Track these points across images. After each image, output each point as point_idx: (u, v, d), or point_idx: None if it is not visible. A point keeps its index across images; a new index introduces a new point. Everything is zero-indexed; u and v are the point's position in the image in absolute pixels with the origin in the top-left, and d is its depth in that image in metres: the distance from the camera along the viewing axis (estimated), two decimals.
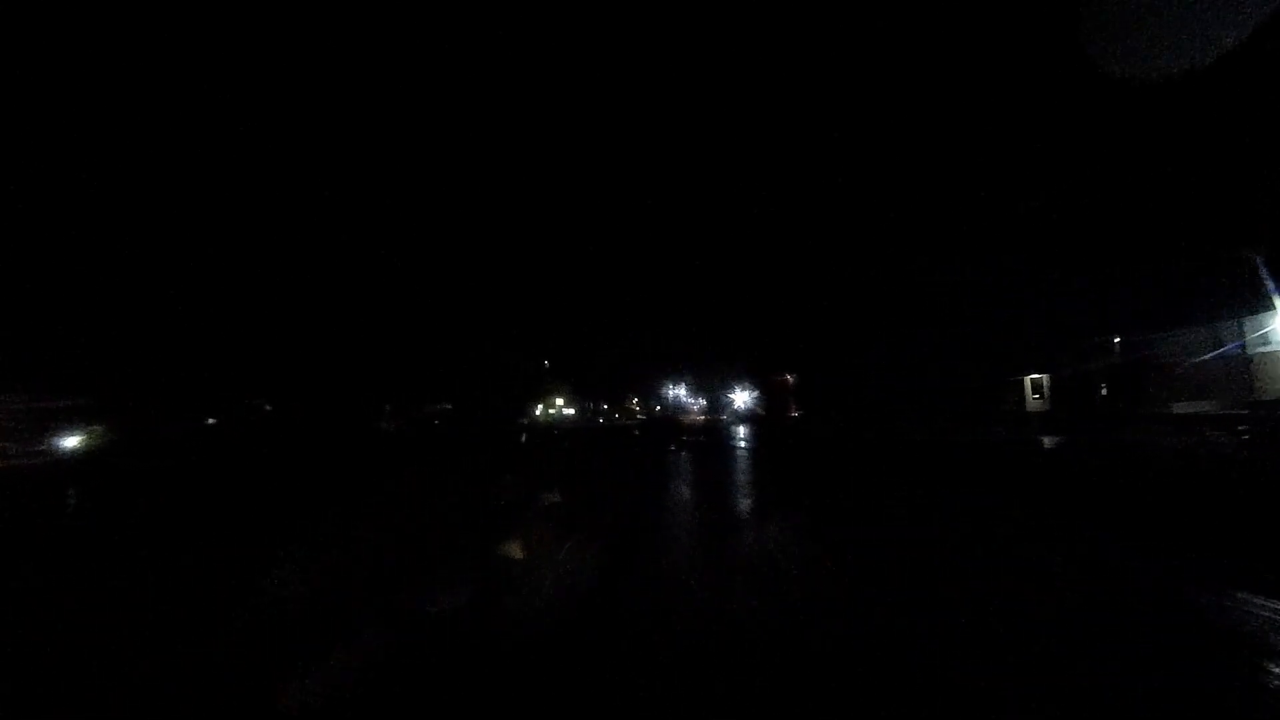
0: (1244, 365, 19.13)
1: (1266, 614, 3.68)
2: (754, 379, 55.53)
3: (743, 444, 22.03)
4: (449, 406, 49.19)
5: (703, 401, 68.11)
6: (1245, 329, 19.31)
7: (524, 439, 28.78)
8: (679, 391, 75.13)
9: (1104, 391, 20.25)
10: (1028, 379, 25.43)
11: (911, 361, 29.27)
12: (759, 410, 52.66)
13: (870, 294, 32.95)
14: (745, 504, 8.12)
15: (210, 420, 25.24)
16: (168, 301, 26.58)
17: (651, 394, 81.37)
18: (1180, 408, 19.25)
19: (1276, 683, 2.95)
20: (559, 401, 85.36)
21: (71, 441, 21.11)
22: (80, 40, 26.27)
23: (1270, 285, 17.92)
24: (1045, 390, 24.45)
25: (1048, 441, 16.51)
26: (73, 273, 25.03)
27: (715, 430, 34.82)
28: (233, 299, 29.57)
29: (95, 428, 21.39)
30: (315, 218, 34.36)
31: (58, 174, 24.70)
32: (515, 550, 4.77)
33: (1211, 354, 19.23)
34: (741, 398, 58.55)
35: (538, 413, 74.96)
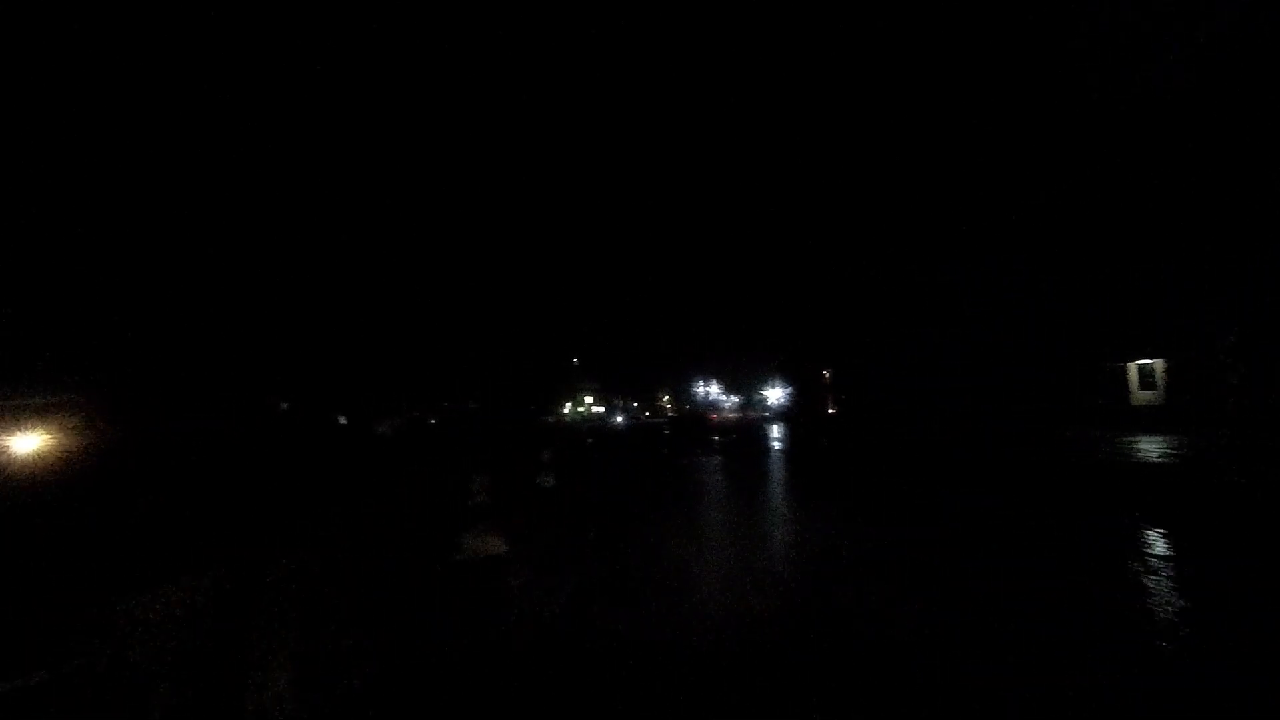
0: None
1: None
2: (788, 375, 52.66)
3: (781, 446, 19.52)
4: (474, 405, 47.83)
5: (735, 399, 65.44)
6: None
7: (531, 440, 26.63)
8: (711, 389, 72.60)
9: None
10: (1133, 365, 20.35)
11: (969, 349, 25.55)
12: (794, 408, 49.90)
13: (915, 271, 29.55)
14: (794, 565, 5.67)
15: (208, 420, 23.83)
16: (170, 291, 25.33)
17: (683, 391, 79.05)
18: None
19: None
20: (588, 399, 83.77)
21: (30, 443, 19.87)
22: (83, 37, 25.10)
23: None
24: (1159, 379, 19.43)
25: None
26: (77, 266, 23.98)
27: (749, 430, 32.21)
28: (243, 290, 28.30)
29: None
30: (338, 211, 32.96)
31: (62, 165, 23.54)
32: None
33: None
34: (775, 394, 55.79)
35: (565, 411, 73.42)
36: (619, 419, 68.10)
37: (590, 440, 27.83)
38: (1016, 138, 25.94)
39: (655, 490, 10.01)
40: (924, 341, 29.21)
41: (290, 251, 30.88)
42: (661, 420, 60.51)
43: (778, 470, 12.99)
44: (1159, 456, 11.21)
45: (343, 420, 31.08)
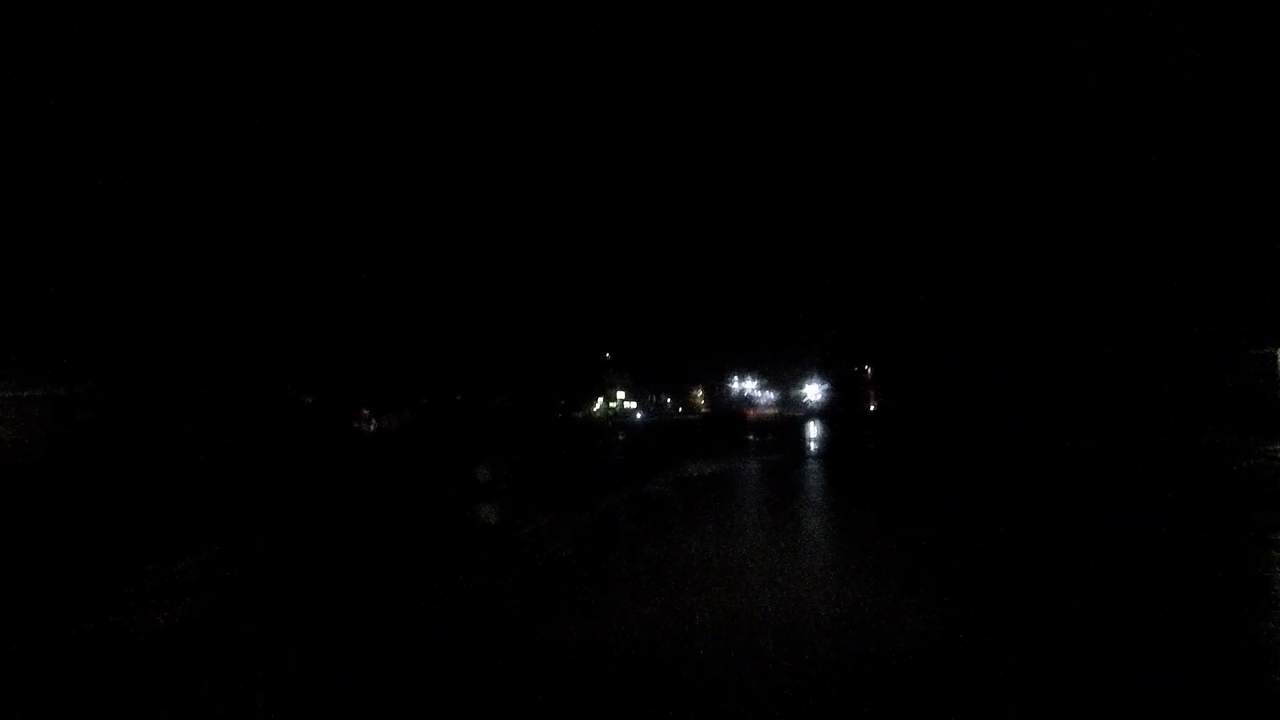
0: None
1: None
2: (827, 370, 50.53)
3: (820, 449, 17.60)
4: (500, 400, 46.85)
5: (772, 395, 63.26)
6: None
7: (537, 440, 24.64)
8: (747, 384, 70.46)
9: None
10: None
11: (1043, 337, 22.55)
12: (834, 404, 47.85)
13: (969, 259, 26.96)
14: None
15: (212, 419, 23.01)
16: (183, 275, 24.57)
17: (719, 387, 77.00)
18: None
19: None
20: (620, 395, 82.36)
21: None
22: (88, 32, 24.66)
23: None
24: None
25: None
26: (80, 259, 23.37)
27: (789, 430, 30.22)
28: (263, 278, 27.48)
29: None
30: (370, 204, 32.15)
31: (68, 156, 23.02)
32: None
33: None
34: (813, 390, 53.69)
35: (596, 407, 72.17)
36: (638, 416, 66.46)
37: (608, 440, 26.18)
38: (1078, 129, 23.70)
39: (657, 535, 7.08)
40: (981, 331, 26.62)
41: (318, 243, 30.13)
42: (694, 417, 58.92)
43: (832, 490, 11.16)
44: None
45: (365, 413, 30.08)
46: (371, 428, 28.29)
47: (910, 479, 11.34)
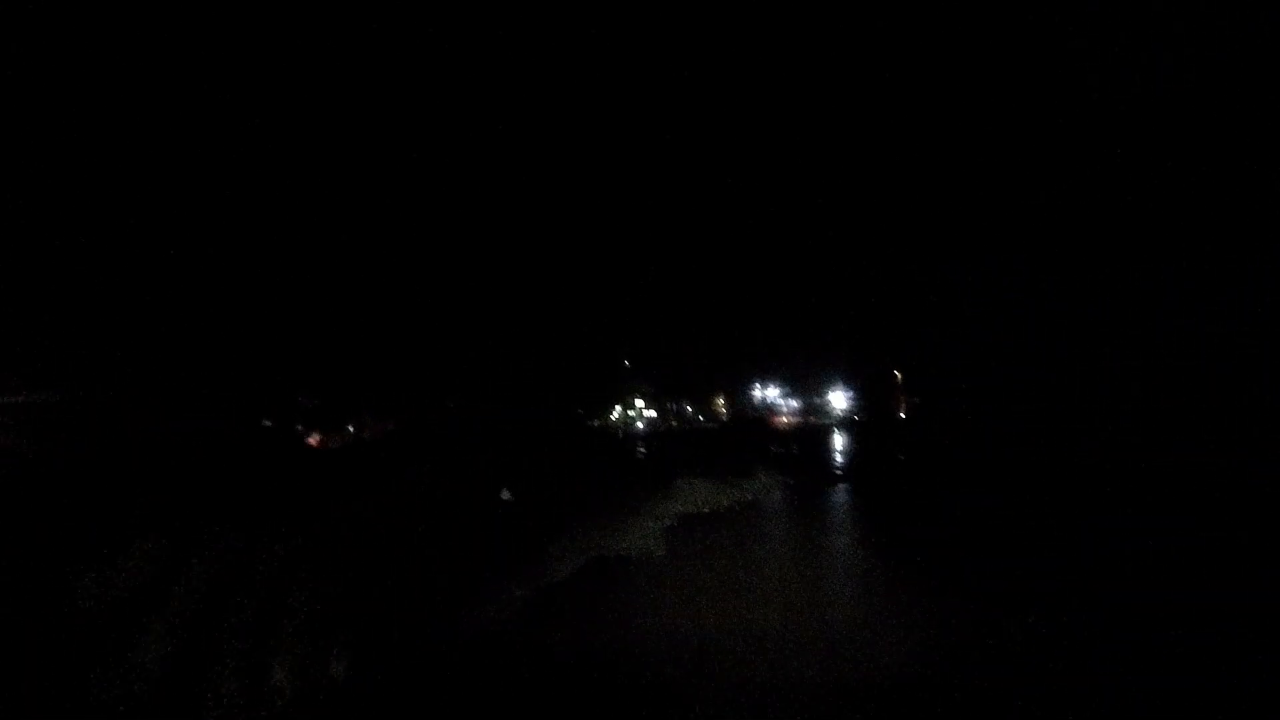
0: None
1: None
2: (854, 375, 49.01)
3: (857, 464, 15.87)
4: (509, 408, 45.63)
5: (795, 403, 61.43)
6: None
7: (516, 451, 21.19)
8: (769, 392, 68.79)
9: None
10: None
11: (1071, 338, 20.87)
12: (862, 412, 46.38)
13: (1020, 248, 25.42)
14: None
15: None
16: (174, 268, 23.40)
17: (740, 394, 75.43)
18: None
19: None
20: (639, 403, 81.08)
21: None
22: (87, 31, 24.04)
23: None
24: None
25: None
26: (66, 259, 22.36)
27: (815, 440, 28.60)
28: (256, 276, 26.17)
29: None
30: (382, 199, 31.09)
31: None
32: None
33: None
34: (839, 397, 52.11)
35: (615, 415, 70.98)
36: (639, 425, 64.73)
37: (612, 451, 24.47)
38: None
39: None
40: (1014, 333, 24.71)
41: (317, 242, 29.08)
42: (715, 425, 57.72)
43: (874, 544, 9.43)
44: None
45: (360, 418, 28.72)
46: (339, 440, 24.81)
47: (955, 506, 9.66)
